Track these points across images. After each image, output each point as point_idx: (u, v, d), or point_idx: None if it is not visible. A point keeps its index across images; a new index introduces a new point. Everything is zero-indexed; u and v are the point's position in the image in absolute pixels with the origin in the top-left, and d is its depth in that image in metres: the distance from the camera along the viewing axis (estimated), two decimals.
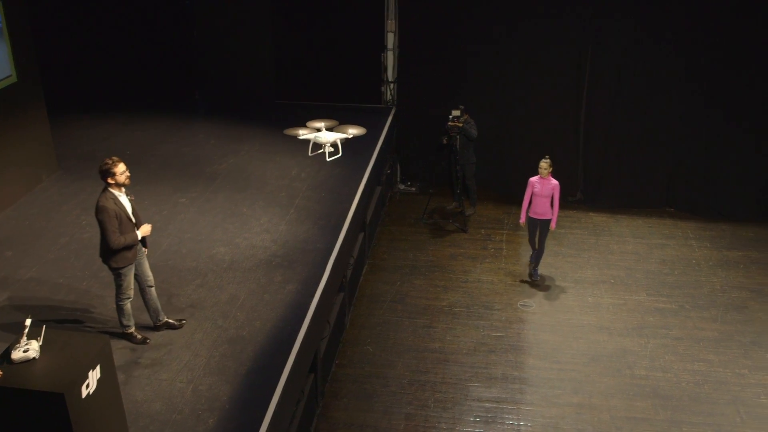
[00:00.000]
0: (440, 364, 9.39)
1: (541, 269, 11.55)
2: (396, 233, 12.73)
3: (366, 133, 9.76)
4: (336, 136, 9.27)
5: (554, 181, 10.80)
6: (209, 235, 9.29)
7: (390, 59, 13.86)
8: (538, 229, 11.16)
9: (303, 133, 9.39)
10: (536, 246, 11.35)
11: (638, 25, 12.60)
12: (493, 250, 12.20)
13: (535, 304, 10.73)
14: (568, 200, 13.71)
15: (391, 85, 14.03)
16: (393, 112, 13.83)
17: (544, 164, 10.75)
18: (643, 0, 12.45)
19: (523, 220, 11.22)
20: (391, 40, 13.72)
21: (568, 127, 13.41)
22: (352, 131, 9.39)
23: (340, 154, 9.46)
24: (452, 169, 12.92)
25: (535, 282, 11.40)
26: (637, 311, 10.62)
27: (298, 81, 14.45)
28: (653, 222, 13.26)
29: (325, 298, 8.20)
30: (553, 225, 11.05)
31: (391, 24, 13.60)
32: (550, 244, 12.05)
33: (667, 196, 13.70)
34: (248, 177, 11.07)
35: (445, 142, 12.62)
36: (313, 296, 7.89)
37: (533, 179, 10.92)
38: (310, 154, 9.76)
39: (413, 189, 14.37)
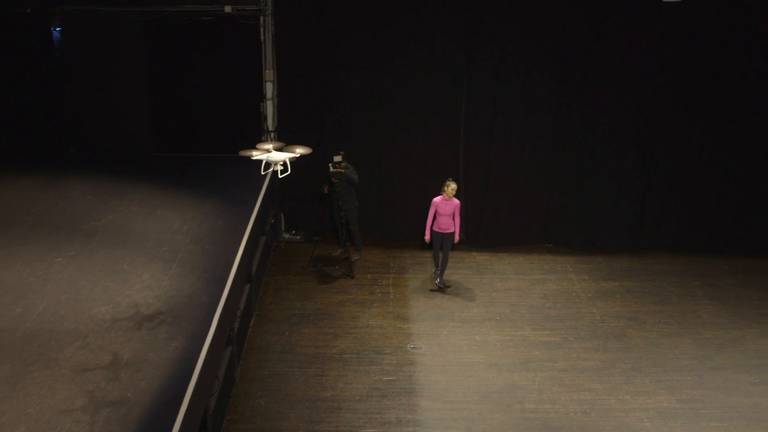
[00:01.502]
0: (334, 413, 9.31)
1: (429, 310, 11.73)
2: (282, 283, 12.62)
3: (311, 153, 10.65)
4: (285, 156, 10.13)
5: (456, 201, 11.89)
6: (89, 294, 8.95)
7: (270, 108, 13.86)
8: (442, 242, 12.08)
9: (255, 155, 10.17)
10: (440, 260, 12.28)
11: (509, 67, 13.12)
12: (380, 295, 12.27)
13: (424, 345, 10.82)
14: None
15: (272, 135, 14.02)
16: None
17: (454, 185, 11.81)
18: (512, 42, 13.00)
19: (428, 237, 12.17)
20: (270, 89, 13.74)
21: (447, 171, 13.69)
22: (299, 150, 10.28)
23: (289, 172, 10.30)
24: (335, 215, 12.99)
25: (443, 289, 12.27)
26: (523, 346, 10.87)
27: (176, 132, 14.25)
28: (533, 258, 13.68)
29: (213, 353, 8.02)
30: (457, 237, 12.11)
31: (269, 73, 13.63)
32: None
33: (545, 233, 14.19)
34: (128, 232, 10.76)
35: (326, 191, 12.71)
36: (200, 352, 7.70)
37: (437, 199, 11.89)
38: (262, 172, 10.80)
39: (298, 237, 14.33)
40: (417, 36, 13.06)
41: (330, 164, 12.39)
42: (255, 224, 11.16)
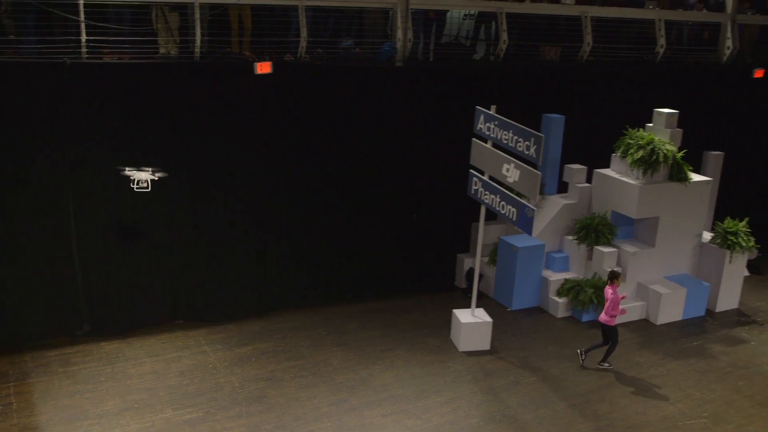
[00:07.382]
0: None
1: (60, 413, 10.98)
2: None
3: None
4: (148, 176, 12.13)
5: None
6: None
7: None
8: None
9: (128, 170, 12.16)
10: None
11: (120, 148, 12.80)
12: (0, 408, 11.13)
13: None
14: (76, 334, 13.19)
15: None
16: None
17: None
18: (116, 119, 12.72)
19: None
20: None
21: (62, 263, 12.93)
22: (158, 174, 12.23)
23: (149, 189, 12.24)
24: None
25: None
26: (166, 429, 10.63)
27: None
28: (165, 338, 13.40)
29: None
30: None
31: None
32: (64, 384, 11.59)
33: (174, 310, 13.98)
34: None
35: None
36: None
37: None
38: (135, 188, 12.17)
39: None
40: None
41: None
42: None
